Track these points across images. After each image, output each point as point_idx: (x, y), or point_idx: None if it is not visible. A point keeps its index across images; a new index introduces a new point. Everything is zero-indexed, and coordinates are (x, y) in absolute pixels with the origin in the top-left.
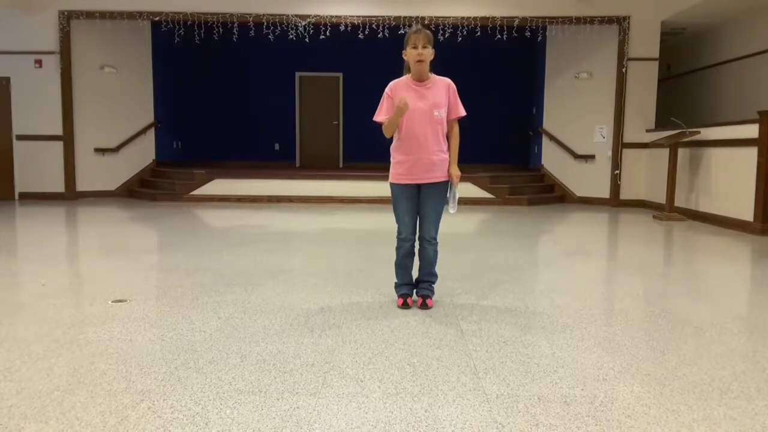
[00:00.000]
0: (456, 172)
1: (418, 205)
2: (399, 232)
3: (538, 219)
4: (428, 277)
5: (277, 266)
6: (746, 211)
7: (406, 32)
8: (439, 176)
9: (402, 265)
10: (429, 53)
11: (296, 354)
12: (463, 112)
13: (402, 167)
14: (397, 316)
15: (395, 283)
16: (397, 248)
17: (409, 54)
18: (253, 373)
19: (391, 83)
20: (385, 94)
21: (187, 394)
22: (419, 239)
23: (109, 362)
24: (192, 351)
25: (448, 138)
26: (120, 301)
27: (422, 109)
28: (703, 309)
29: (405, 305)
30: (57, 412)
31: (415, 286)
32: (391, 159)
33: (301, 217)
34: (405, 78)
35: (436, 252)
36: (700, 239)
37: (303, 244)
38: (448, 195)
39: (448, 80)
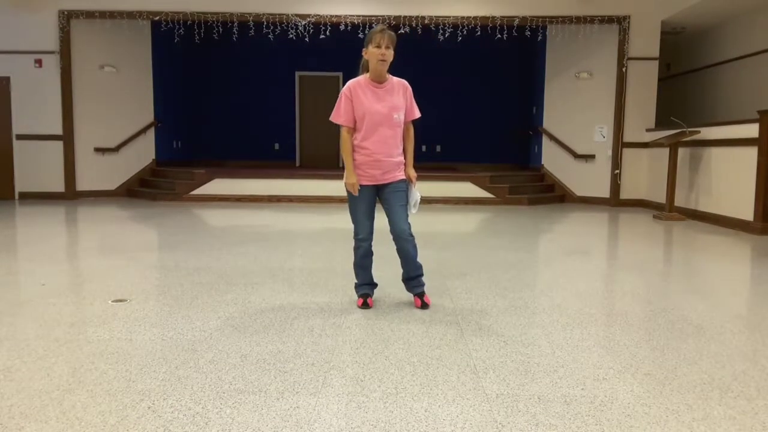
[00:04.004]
0: (413, 173)
1: (384, 206)
2: (356, 233)
3: (538, 218)
4: (415, 271)
5: (277, 265)
6: (746, 211)
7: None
8: (398, 176)
9: (361, 265)
10: (391, 54)
11: (296, 353)
12: (418, 114)
13: (361, 169)
14: (397, 316)
15: (355, 283)
16: (355, 249)
17: (372, 53)
18: (253, 373)
19: (350, 83)
20: (342, 94)
21: (187, 394)
22: (395, 239)
23: (109, 362)
24: (192, 350)
25: (404, 140)
26: (120, 300)
27: (381, 112)
28: (703, 308)
29: (365, 305)
30: (57, 411)
31: (374, 287)
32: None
33: (301, 217)
34: (363, 78)
35: (414, 246)
36: (700, 239)
37: (303, 243)
38: (408, 196)
39: (404, 82)
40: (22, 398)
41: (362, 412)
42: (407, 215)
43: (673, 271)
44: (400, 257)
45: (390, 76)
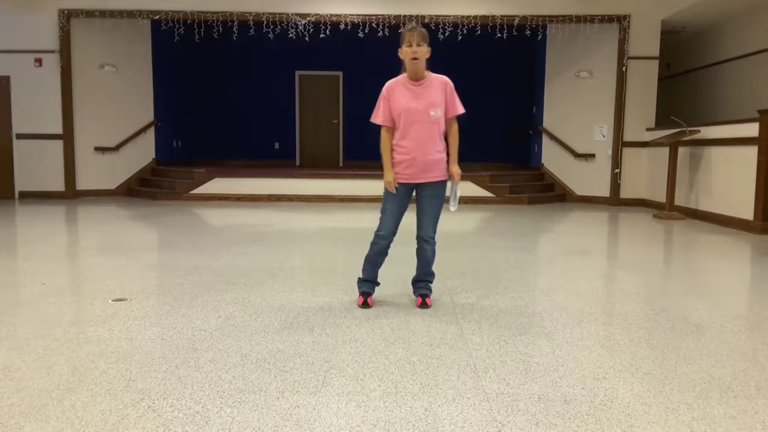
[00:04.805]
0: (457, 170)
1: (417, 206)
2: (379, 229)
3: (538, 218)
4: (426, 276)
5: (277, 265)
6: (746, 210)
7: (402, 31)
8: (436, 176)
9: (372, 260)
10: (424, 51)
11: (296, 353)
12: (461, 110)
13: (399, 167)
14: (397, 315)
15: (359, 278)
16: (373, 243)
17: (404, 52)
18: (254, 372)
19: (388, 84)
20: (381, 95)
21: (187, 393)
22: (417, 239)
23: (109, 361)
24: (192, 350)
25: (447, 136)
26: (120, 299)
27: (418, 110)
28: (703, 308)
29: (365, 305)
30: (57, 410)
31: (375, 288)
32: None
33: (301, 216)
34: (401, 77)
35: (434, 252)
36: (700, 238)
37: (303, 242)
38: (449, 193)
39: (445, 78)
40: (22, 397)
41: (362, 411)
42: (437, 220)
43: (673, 270)
44: (417, 258)
45: (429, 73)
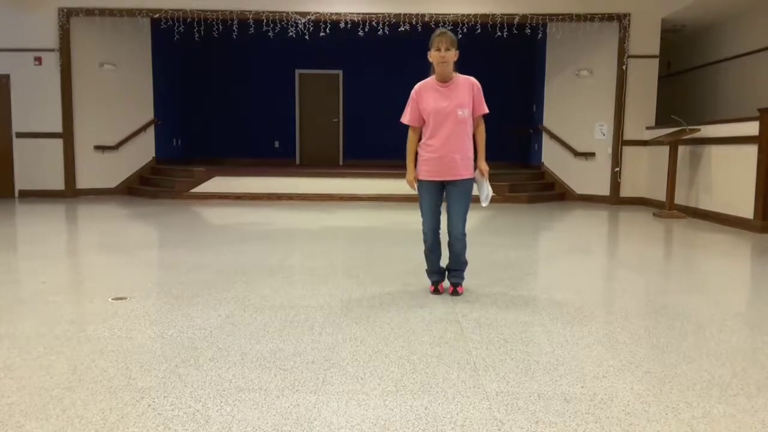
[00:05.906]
0: (485, 166)
1: (446, 202)
2: (423, 225)
3: (538, 216)
4: (458, 266)
5: (277, 263)
6: (746, 209)
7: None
8: (463, 174)
9: (428, 255)
10: (452, 55)
11: (296, 351)
12: (485, 110)
13: (427, 165)
14: (398, 314)
15: (426, 269)
16: (424, 240)
17: (433, 56)
18: (254, 371)
19: (417, 86)
20: (411, 97)
21: (188, 392)
22: (448, 234)
23: (109, 359)
24: (192, 348)
25: (474, 135)
26: (120, 298)
27: (446, 110)
28: (703, 306)
29: (436, 291)
30: (57, 409)
31: (445, 274)
32: (418, 157)
33: (301, 215)
34: (430, 79)
35: (464, 246)
36: (700, 237)
37: (303, 241)
38: (479, 190)
39: (472, 79)
40: (22, 396)
41: (362, 410)
42: (465, 216)
43: (672, 269)
44: (449, 251)
45: (457, 74)
